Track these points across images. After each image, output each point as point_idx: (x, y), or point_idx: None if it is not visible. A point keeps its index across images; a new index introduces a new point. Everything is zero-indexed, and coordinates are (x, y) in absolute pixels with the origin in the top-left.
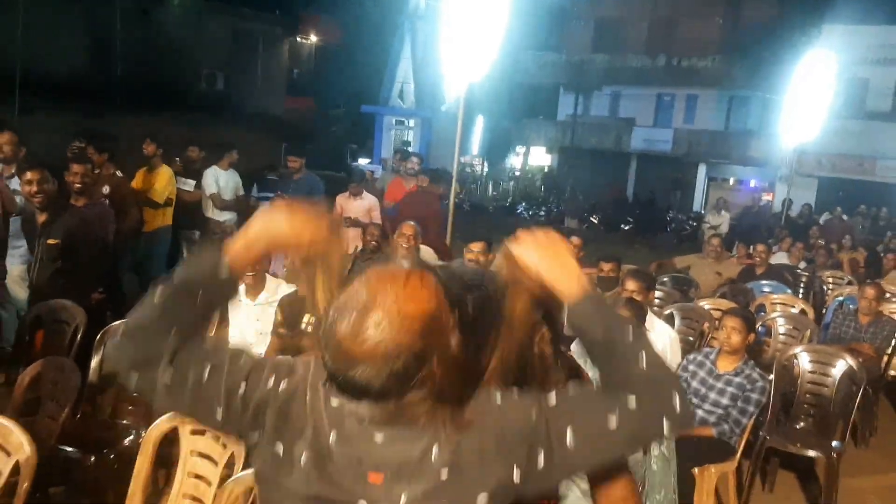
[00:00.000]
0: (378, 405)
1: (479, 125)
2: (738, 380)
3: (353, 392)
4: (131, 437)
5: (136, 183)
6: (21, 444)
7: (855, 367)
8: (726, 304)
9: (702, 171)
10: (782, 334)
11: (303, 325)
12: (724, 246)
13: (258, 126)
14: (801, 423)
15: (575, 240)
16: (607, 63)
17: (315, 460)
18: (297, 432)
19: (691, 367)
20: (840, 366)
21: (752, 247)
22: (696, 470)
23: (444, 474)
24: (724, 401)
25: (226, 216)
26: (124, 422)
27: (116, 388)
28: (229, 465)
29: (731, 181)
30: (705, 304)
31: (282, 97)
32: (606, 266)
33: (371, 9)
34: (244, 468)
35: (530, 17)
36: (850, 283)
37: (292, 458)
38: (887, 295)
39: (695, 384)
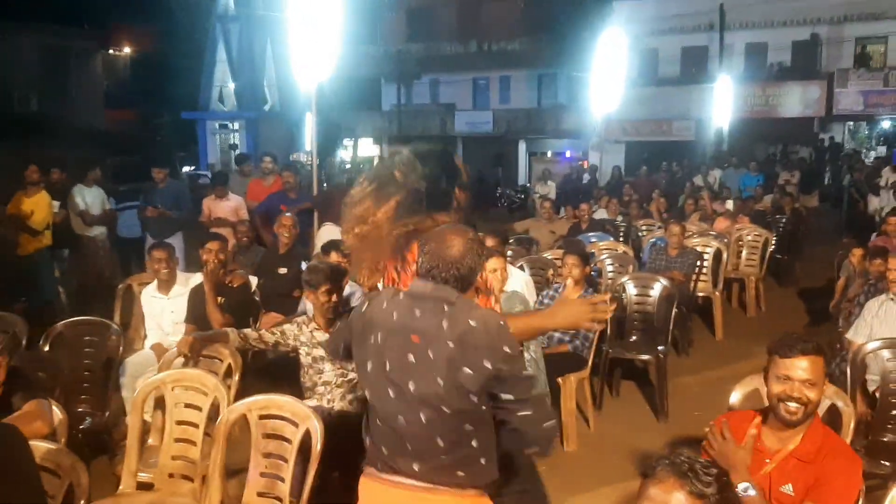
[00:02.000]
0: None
1: (310, 121)
2: None
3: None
4: (87, 421)
5: (14, 208)
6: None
7: (669, 286)
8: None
9: (522, 147)
10: (610, 271)
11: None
12: (554, 209)
13: (80, 142)
14: (634, 337)
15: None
16: (423, 52)
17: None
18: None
19: (546, 301)
20: (657, 287)
21: (576, 207)
22: (560, 379)
23: (451, 344)
24: None
25: (96, 231)
26: (79, 409)
27: (65, 382)
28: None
29: (549, 154)
30: (547, 255)
31: (101, 111)
32: None
33: (181, 15)
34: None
35: (346, 9)
36: (659, 227)
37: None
38: (689, 233)
39: None
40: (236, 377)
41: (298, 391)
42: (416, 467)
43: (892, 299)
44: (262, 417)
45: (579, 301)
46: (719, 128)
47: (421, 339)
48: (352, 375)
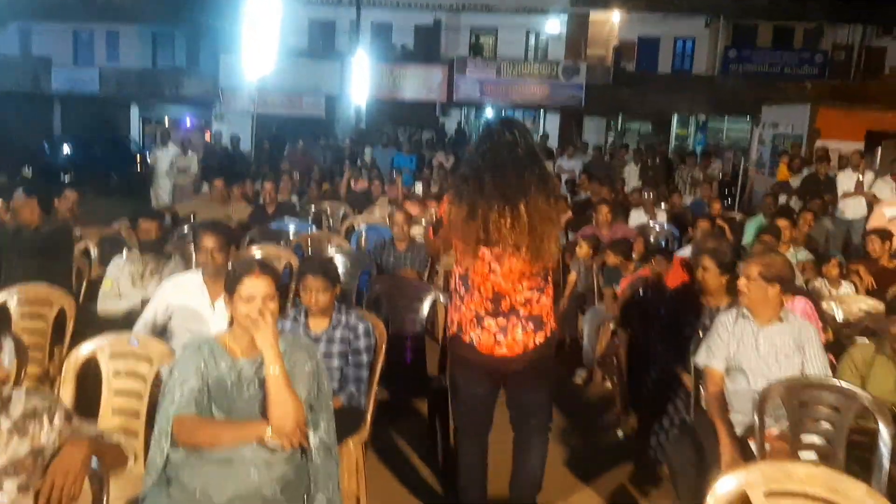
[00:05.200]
0: None
1: None
2: (338, 334)
3: None
4: None
5: None
6: None
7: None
8: (286, 252)
9: (134, 112)
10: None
11: None
12: (227, 189)
13: None
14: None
15: (70, 195)
16: None
17: None
18: None
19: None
20: (428, 300)
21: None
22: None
23: None
24: (336, 362)
25: None
26: None
27: None
28: None
29: (167, 121)
30: (256, 252)
31: None
32: (149, 224)
33: None
34: None
35: None
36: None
37: None
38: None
39: None
40: None
41: None
42: None
43: (745, 316)
44: None
45: None
46: (358, 106)
47: None
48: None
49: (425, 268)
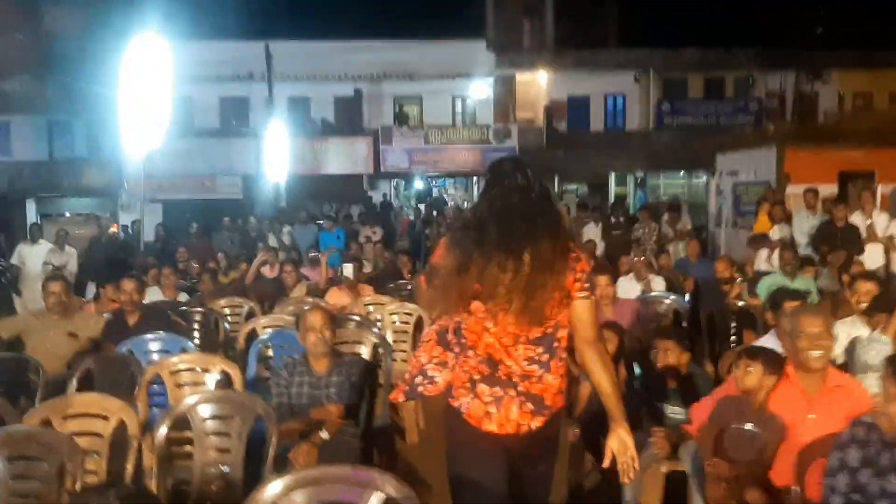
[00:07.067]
0: None
1: None
2: None
3: None
4: None
5: None
6: None
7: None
8: (117, 405)
9: (31, 208)
10: (213, 434)
11: None
12: (69, 291)
13: None
14: None
15: None
16: None
17: None
18: None
19: None
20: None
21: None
22: None
23: None
24: None
25: None
26: None
27: None
28: None
29: (68, 215)
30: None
31: None
32: None
33: None
34: None
35: None
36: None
37: None
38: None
39: None
40: None
41: None
42: None
43: None
44: None
45: None
46: (276, 184)
47: None
48: None
49: (360, 400)
